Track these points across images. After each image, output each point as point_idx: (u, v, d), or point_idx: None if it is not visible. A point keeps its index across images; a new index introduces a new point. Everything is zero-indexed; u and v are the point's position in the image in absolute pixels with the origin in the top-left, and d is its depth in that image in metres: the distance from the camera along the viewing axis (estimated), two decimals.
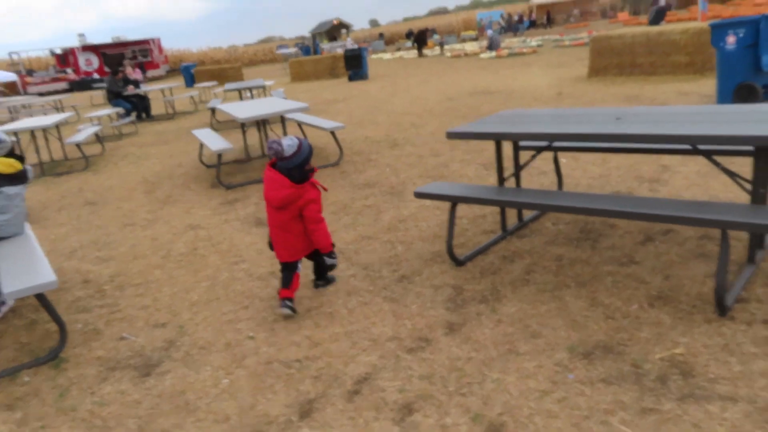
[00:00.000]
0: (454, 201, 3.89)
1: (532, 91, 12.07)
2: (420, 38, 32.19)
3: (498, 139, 3.93)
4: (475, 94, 12.71)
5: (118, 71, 15.70)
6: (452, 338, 3.11)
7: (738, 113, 3.49)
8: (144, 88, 16.19)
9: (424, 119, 10.33)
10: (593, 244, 4.07)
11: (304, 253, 3.63)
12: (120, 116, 15.41)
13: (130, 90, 15.40)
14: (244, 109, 7.71)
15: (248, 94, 13.25)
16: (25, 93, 37.48)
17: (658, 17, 21.31)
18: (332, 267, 3.73)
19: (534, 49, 23.51)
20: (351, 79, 20.66)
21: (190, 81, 28.83)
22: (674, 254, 3.74)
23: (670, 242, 3.94)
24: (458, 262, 4.02)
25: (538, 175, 5.94)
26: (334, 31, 63.22)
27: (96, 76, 39.49)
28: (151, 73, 42.21)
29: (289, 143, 3.41)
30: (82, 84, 37.50)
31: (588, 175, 5.76)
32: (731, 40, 7.82)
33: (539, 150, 4.28)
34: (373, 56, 37.42)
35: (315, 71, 23.47)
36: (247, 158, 8.55)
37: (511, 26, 41.90)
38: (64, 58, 40.76)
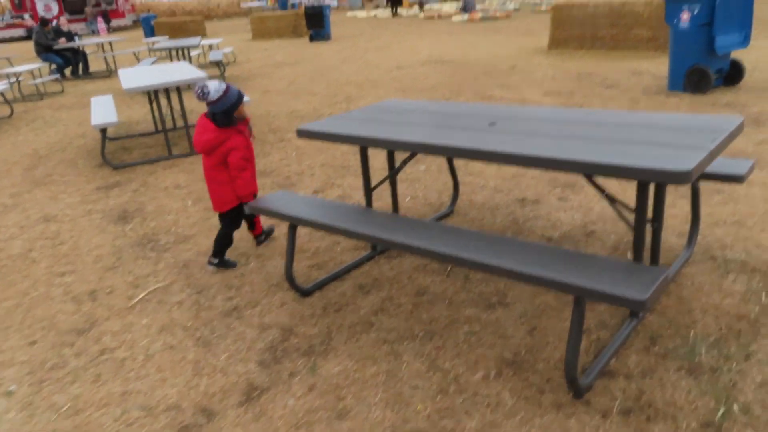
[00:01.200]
0: (292, 223, 3.18)
1: (486, 62, 11.26)
2: None
3: (346, 143, 3.20)
4: (428, 63, 11.87)
5: (47, 22, 14.46)
6: (243, 412, 2.44)
7: (635, 124, 2.78)
8: (80, 42, 14.99)
9: (364, 91, 9.51)
10: (468, 273, 3.39)
11: (232, 204, 3.61)
12: (52, 72, 14.32)
13: (62, 43, 14.18)
14: (137, 77, 6.84)
15: (185, 55, 12.21)
16: None
17: None
18: (247, 217, 3.82)
19: (508, 13, 22.48)
20: (312, 39, 19.51)
21: (150, 34, 27.35)
22: (552, 296, 3.08)
23: None
24: (303, 292, 3.33)
25: (441, 172, 5.23)
26: None
27: (55, 23, 37.53)
28: (116, 22, 40.28)
29: (216, 87, 3.40)
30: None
31: (500, 174, 5.06)
32: (685, 17, 7.07)
33: (408, 159, 3.55)
34: (349, 14, 35.91)
35: (277, 29, 22.22)
36: (157, 131, 7.71)
37: None
38: (21, 3, 38.59)
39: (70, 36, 14.84)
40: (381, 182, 3.73)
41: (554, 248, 2.44)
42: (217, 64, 11.30)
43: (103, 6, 40.15)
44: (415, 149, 2.90)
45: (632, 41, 10.57)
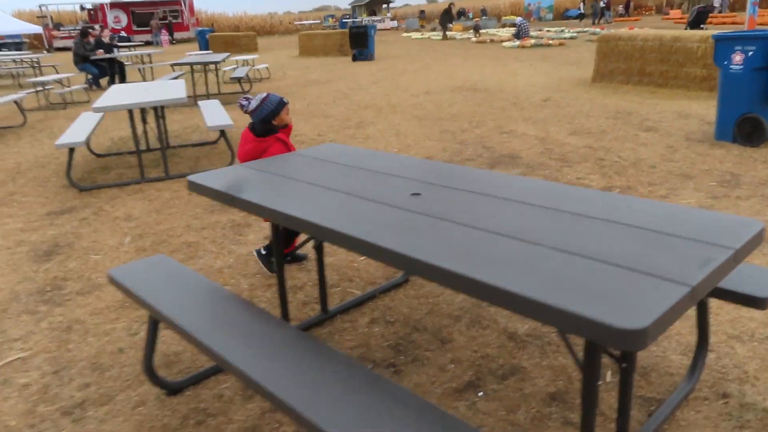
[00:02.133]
0: (152, 318, 2.45)
1: (521, 92, 10.38)
2: (444, 19, 29.70)
3: (236, 206, 2.47)
4: (460, 89, 11.09)
5: (88, 33, 14.48)
6: None
7: (604, 218, 1.95)
8: (119, 53, 14.95)
9: (380, 116, 8.82)
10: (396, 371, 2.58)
11: None
12: (88, 81, 14.31)
13: (99, 54, 14.16)
14: (117, 96, 6.34)
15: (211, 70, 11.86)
16: (51, 47, 36.97)
17: (698, 18, 18.92)
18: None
19: (562, 41, 21.43)
20: (355, 58, 19.06)
21: (205, 47, 27.62)
22: None
23: None
24: (170, 389, 2.60)
25: None
26: (374, 4, 61.25)
27: (123, 34, 38.75)
28: (179, 35, 41.25)
29: (256, 97, 3.48)
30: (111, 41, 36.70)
31: None
32: (737, 59, 6.05)
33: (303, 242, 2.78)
34: (404, 35, 35.62)
35: (324, 46, 21.94)
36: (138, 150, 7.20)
37: (595, 11, 35.84)
38: (94, 14, 40.07)
39: (109, 48, 14.80)
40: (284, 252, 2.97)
41: None
42: (239, 80, 10.83)
43: (169, 19, 41.23)
44: (301, 228, 2.14)
45: (683, 79, 9.48)
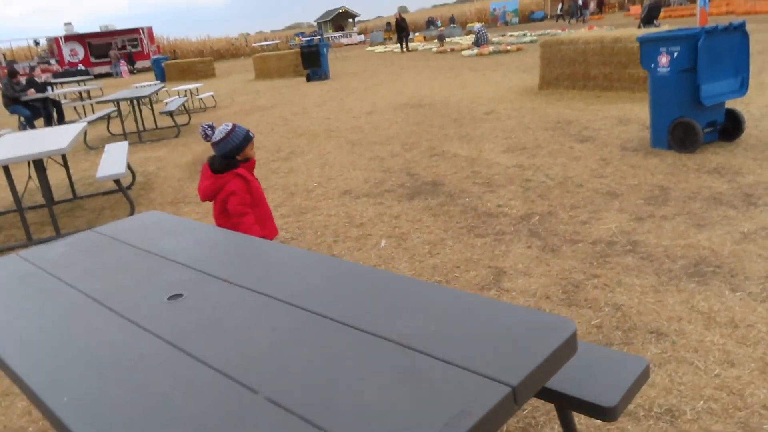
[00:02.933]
0: None
1: (465, 105, 10.02)
2: (399, 30, 29.10)
3: None
4: (404, 107, 10.71)
5: (17, 73, 13.88)
6: None
7: (372, 331, 1.51)
8: (56, 91, 14.40)
9: (314, 144, 8.42)
10: None
11: None
12: (21, 124, 13.72)
13: (30, 94, 13.53)
14: (8, 146, 5.84)
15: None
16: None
17: (651, 14, 18.75)
18: None
19: (520, 46, 21.20)
20: (309, 79, 18.66)
21: (161, 76, 27.15)
22: None
23: None
24: None
25: None
26: (340, 19, 61.05)
27: (81, 67, 38.12)
28: (140, 63, 40.64)
29: (221, 129, 3.29)
30: (66, 75, 36.03)
31: None
32: (664, 61, 5.70)
33: None
34: (368, 48, 35.42)
35: (278, 68, 21.52)
36: (21, 209, 6.69)
37: (574, 10, 35.51)
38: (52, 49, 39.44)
39: (42, 87, 14.22)
40: None
41: None
42: (170, 114, 10.35)
43: (128, 49, 40.67)
44: None
45: (627, 81, 9.17)
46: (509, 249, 4.03)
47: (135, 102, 10.71)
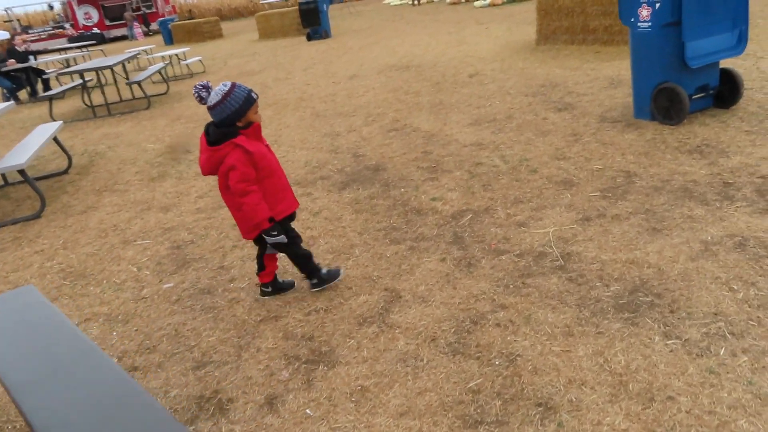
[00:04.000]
0: None
1: (453, 66, 9.14)
2: None
3: None
4: (388, 69, 9.87)
5: None
6: None
7: None
8: (38, 60, 13.87)
9: (278, 116, 7.74)
10: None
11: (257, 231, 2.91)
12: (5, 96, 13.25)
13: (9, 64, 13.01)
14: None
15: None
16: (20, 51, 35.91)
17: None
18: (279, 247, 2.98)
19: None
20: (309, 38, 17.73)
21: (169, 39, 26.43)
22: None
23: None
24: None
25: None
26: None
27: (96, 31, 37.69)
28: (156, 25, 40.02)
29: (217, 89, 2.72)
30: (81, 39, 35.55)
31: None
32: (644, 13, 4.76)
33: None
34: (385, 2, 33.97)
35: (281, 27, 20.59)
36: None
37: None
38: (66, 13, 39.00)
39: (23, 57, 13.70)
40: None
41: None
42: (138, 84, 9.72)
43: (142, 10, 39.95)
44: None
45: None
46: (419, 263, 3.33)
47: (100, 72, 10.09)
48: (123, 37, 36.78)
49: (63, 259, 4.21)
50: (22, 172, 5.04)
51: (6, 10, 36.98)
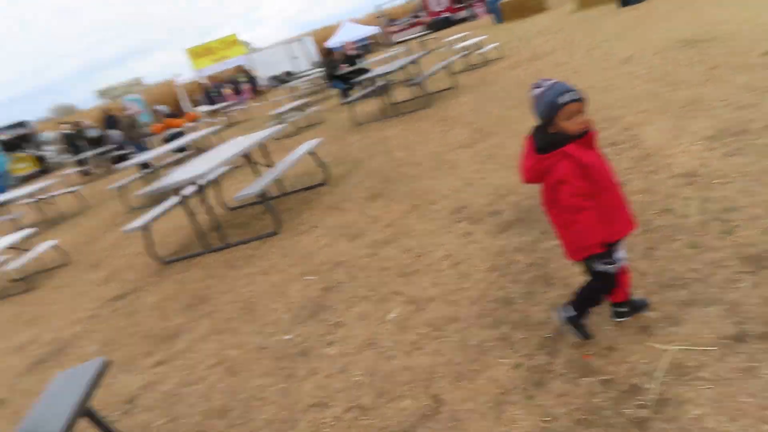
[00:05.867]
0: None
1: (752, 38, 7.09)
2: None
3: None
4: (674, 46, 8.22)
5: (332, 52, 15.55)
6: None
7: None
8: (364, 62, 15.61)
9: (492, 129, 7.21)
10: None
11: (587, 252, 2.49)
12: (343, 96, 14.98)
13: (342, 69, 14.97)
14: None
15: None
16: (391, 41, 40.60)
17: None
18: (604, 277, 2.55)
19: None
20: (625, 3, 15.78)
21: (499, 18, 26.46)
22: None
23: None
24: None
25: None
26: None
27: (447, 15, 40.10)
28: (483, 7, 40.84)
29: (547, 83, 2.46)
30: (435, 24, 38.45)
31: None
32: None
33: None
34: None
35: None
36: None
37: None
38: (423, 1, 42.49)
39: (351, 61, 15.59)
40: None
41: None
42: (418, 85, 10.15)
43: None
44: None
45: None
46: (492, 364, 2.75)
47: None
48: (463, 20, 38.54)
49: (235, 297, 4.74)
50: (262, 196, 5.86)
51: (377, 8, 42.34)
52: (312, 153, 7.26)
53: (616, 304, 2.74)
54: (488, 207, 4.68)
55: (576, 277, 3.23)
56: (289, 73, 31.02)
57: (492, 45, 13.87)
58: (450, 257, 4.04)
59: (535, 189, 2.59)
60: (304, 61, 34.15)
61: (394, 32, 40.91)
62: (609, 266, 2.48)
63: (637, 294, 2.81)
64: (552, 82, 2.42)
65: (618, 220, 2.52)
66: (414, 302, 3.62)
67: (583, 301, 2.66)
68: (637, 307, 2.75)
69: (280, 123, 12.44)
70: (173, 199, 6.58)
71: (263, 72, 32.82)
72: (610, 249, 2.49)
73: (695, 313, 2.62)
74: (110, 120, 17.23)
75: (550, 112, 2.37)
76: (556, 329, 2.85)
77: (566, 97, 2.34)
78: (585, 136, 2.43)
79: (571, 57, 10.30)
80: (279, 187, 7.39)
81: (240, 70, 32.61)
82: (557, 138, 2.39)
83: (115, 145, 15.55)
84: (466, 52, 14.00)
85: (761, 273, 2.72)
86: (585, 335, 2.69)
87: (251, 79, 31.82)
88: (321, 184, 7.15)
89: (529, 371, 2.64)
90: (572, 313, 2.67)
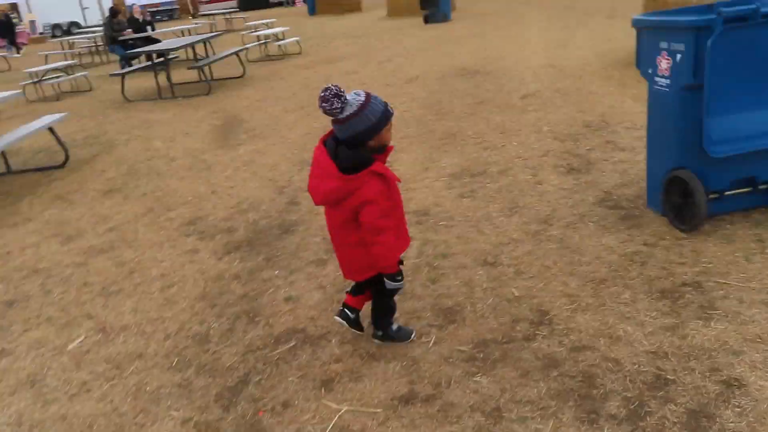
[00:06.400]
0: None
1: (520, 78, 7.68)
2: None
3: None
4: (453, 74, 8.68)
5: (117, 12, 13.92)
6: None
7: None
8: (156, 31, 14.29)
9: (273, 127, 6.92)
10: None
11: (372, 272, 2.42)
12: (121, 64, 13.60)
13: (126, 34, 13.50)
14: None
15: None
16: (197, 14, 38.24)
17: None
18: (393, 293, 2.52)
19: None
20: (427, 20, 16.54)
21: (312, 9, 26.34)
22: None
23: None
24: None
25: None
26: None
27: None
28: None
29: (352, 98, 2.19)
30: (249, 2, 36.74)
31: None
32: (664, 65, 3.22)
33: None
34: None
35: (408, 5, 19.57)
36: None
37: None
38: None
39: (140, 26, 14.16)
40: None
41: None
42: (199, 69, 9.42)
43: None
44: None
45: None
46: None
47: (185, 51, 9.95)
48: (282, 3, 37.71)
49: None
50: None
51: None
52: (51, 129, 6.24)
53: (349, 307, 2.69)
54: (224, 222, 4.30)
55: (280, 316, 3.03)
56: (76, 25, 27.59)
57: (293, 39, 13.55)
58: (164, 277, 3.60)
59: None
60: (98, 14, 30.62)
61: (204, 2, 38.59)
62: (400, 282, 2.43)
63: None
64: (364, 93, 2.23)
65: (404, 235, 2.51)
66: (104, 330, 3.12)
67: (382, 318, 2.64)
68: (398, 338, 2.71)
69: (37, 82, 10.82)
70: None
71: (43, 17, 28.71)
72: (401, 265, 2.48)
73: (377, 369, 2.53)
74: None
75: (381, 121, 2.20)
76: (240, 377, 2.59)
77: (391, 109, 2.25)
78: (386, 152, 2.33)
79: (363, 67, 10.37)
80: (4, 163, 6.24)
81: (11, 8, 28.05)
82: (365, 157, 2.22)
83: None
84: (265, 41, 13.52)
85: (447, 328, 2.73)
86: (408, 334, 2.66)
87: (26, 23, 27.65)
88: (57, 166, 6.18)
89: (196, 428, 2.33)
90: (380, 332, 2.65)
